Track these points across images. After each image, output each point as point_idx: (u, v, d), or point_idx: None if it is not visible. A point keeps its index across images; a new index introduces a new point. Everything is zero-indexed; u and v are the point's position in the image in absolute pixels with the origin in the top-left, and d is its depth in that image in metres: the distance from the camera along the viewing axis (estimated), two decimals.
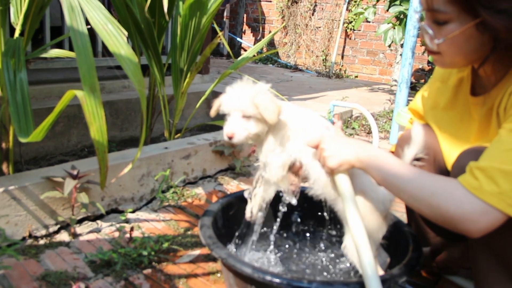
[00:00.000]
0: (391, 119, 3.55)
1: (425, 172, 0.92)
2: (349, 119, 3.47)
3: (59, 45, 2.87)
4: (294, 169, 1.18)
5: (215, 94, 3.93)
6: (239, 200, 1.31)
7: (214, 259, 1.45)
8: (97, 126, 1.21)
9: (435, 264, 1.38)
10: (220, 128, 2.64)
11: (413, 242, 1.18)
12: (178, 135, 2.61)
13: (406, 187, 0.90)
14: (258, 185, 1.22)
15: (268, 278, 1.00)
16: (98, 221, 1.64)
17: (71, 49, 2.21)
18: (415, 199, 0.89)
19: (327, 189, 1.12)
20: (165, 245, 1.45)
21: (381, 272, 1.12)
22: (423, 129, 1.13)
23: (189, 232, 1.63)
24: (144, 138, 2.51)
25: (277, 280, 1.00)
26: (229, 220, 1.38)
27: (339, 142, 1.04)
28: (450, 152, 1.15)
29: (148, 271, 1.35)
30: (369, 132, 3.42)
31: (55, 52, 1.90)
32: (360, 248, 0.93)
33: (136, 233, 1.56)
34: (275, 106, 1.10)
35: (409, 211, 1.38)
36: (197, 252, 1.49)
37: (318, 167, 1.11)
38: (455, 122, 1.14)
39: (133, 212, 1.76)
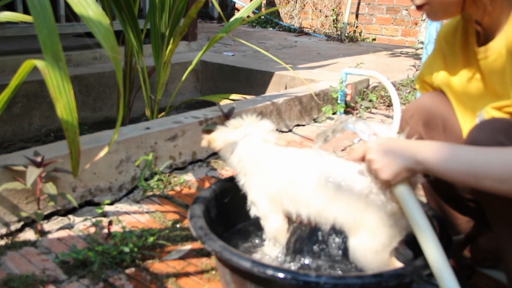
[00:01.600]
0: (415, 89, 3.54)
1: (497, 148, 0.92)
2: (365, 89, 3.47)
3: (10, 7, 2.83)
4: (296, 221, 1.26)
5: (204, 65, 3.92)
6: (236, 185, 1.32)
7: (207, 255, 1.47)
8: (65, 102, 1.21)
9: (468, 255, 1.40)
10: (212, 104, 2.66)
11: (439, 227, 1.20)
12: (162, 114, 2.62)
13: (487, 171, 0.90)
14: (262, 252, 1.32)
15: (270, 272, 1.02)
16: (70, 216, 1.66)
17: (26, 12, 2.18)
18: (501, 181, 0.89)
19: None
20: (150, 240, 1.47)
21: (400, 264, 1.15)
22: (430, 97, 1.19)
23: (177, 225, 1.65)
24: (122, 118, 2.50)
25: (280, 275, 1.02)
26: (224, 208, 1.39)
27: (389, 147, 1.02)
28: (465, 117, 1.22)
29: (131, 270, 1.37)
30: (389, 105, 3.42)
31: (5, 16, 1.88)
32: (440, 273, 0.95)
33: (115, 228, 1.58)
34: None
35: (429, 194, 1.40)
36: (187, 247, 1.51)
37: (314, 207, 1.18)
38: (466, 83, 1.21)
39: (111, 204, 1.78)
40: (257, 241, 1.41)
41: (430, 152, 0.97)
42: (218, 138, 1.31)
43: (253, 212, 1.28)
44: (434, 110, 1.28)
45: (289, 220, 1.27)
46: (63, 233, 1.55)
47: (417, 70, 3.83)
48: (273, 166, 1.25)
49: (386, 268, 1.10)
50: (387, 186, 1.05)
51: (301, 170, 1.21)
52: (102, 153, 1.37)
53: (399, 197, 1.04)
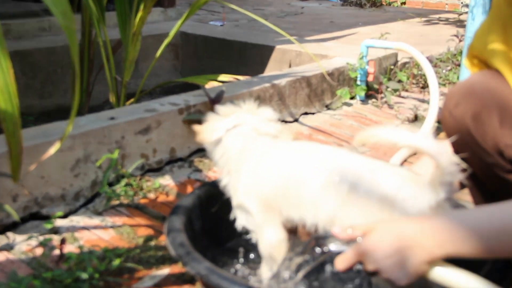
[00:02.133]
0: (459, 65, 3.55)
1: None
2: (392, 67, 3.47)
3: None
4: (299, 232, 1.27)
5: (185, 38, 3.92)
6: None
7: (190, 280, 1.46)
8: (1, 85, 1.21)
9: None
10: (195, 87, 2.65)
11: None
12: (131, 100, 2.61)
13: None
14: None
15: None
16: (9, 233, 1.64)
17: None
18: None
19: None
20: (116, 262, 1.46)
21: None
22: (482, 78, 1.16)
23: (152, 243, 1.64)
24: (78, 105, 2.49)
25: None
26: (212, 220, 1.39)
27: (392, 237, 0.99)
28: None
29: None
30: (424, 87, 3.42)
31: None
32: None
33: (70, 248, 1.56)
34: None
35: (477, 196, 1.40)
36: (165, 271, 1.50)
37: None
38: None
39: (65, 216, 1.77)
40: (253, 258, 1.40)
41: (452, 229, 0.96)
42: (209, 128, 1.31)
43: (240, 222, 1.28)
44: (488, 96, 1.23)
45: (290, 231, 1.26)
46: (0, 256, 1.53)
47: (460, 41, 3.83)
48: (267, 162, 1.24)
49: None
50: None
51: (305, 166, 1.20)
52: (52, 150, 1.36)
53: (440, 281, 1.02)
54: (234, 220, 1.30)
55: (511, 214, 0.94)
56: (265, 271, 1.29)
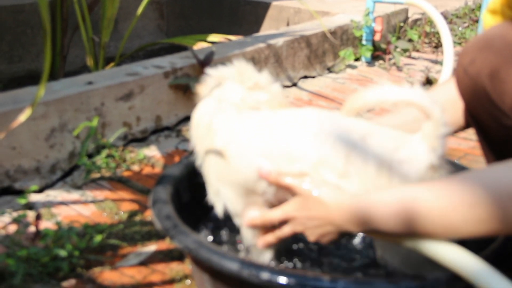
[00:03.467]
0: (477, 21, 3.54)
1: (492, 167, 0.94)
2: (401, 24, 3.46)
3: None
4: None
5: None
6: None
7: (179, 257, 1.49)
8: None
9: None
10: (182, 49, 2.64)
11: None
12: (111, 64, 2.61)
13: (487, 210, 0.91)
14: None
15: (266, 276, 1.03)
16: None
17: None
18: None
19: None
20: (97, 239, 1.47)
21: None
22: (503, 31, 1.16)
23: (137, 218, 1.66)
24: (52, 70, 2.50)
25: (281, 279, 1.03)
26: (201, 191, 1.40)
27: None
28: None
29: (70, 282, 1.38)
30: (437, 46, 3.41)
31: None
32: None
33: (46, 224, 1.57)
34: None
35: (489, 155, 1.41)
36: (151, 248, 1.52)
37: None
38: None
39: (40, 191, 1.78)
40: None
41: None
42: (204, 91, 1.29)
43: (219, 209, 1.27)
44: (508, 51, 1.18)
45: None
46: None
47: None
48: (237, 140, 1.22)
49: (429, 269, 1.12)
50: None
51: (293, 140, 1.18)
52: (22, 118, 1.36)
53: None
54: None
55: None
56: (258, 255, 1.30)
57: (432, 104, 1.07)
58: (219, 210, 1.27)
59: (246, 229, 1.26)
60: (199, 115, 1.27)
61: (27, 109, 1.37)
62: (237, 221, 1.29)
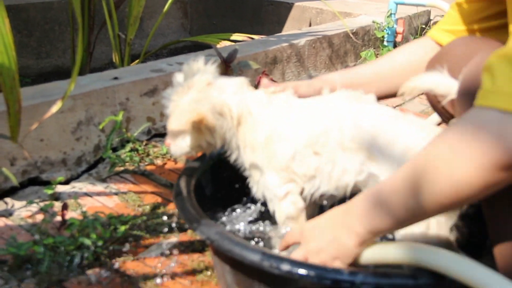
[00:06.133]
0: None
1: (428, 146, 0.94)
2: (423, 26, 3.44)
3: None
4: None
5: None
6: None
7: (201, 249, 1.50)
8: None
9: None
10: (205, 47, 2.65)
11: None
12: (136, 61, 2.64)
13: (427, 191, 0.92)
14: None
15: (286, 267, 1.04)
16: (7, 199, 1.69)
17: None
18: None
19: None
20: (121, 230, 1.50)
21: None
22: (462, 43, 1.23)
23: (160, 210, 1.68)
24: (80, 64, 2.50)
25: (301, 271, 1.04)
26: (224, 184, 1.41)
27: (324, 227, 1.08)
28: None
29: (94, 271, 1.40)
30: None
31: None
32: None
33: (72, 214, 1.60)
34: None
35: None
36: (173, 240, 1.54)
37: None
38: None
39: (67, 182, 1.81)
40: (268, 228, 1.43)
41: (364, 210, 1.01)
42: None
43: (258, 193, 1.31)
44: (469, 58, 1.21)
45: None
46: None
47: None
48: (283, 128, 1.27)
49: None
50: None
51: (325, 130, 1.23)
52: (54, 109, 1.39)
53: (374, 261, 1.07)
54: (247, 186, 1.32)
55: (398, 173, 0.97)
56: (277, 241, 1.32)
57: None
58: (258, 194, 1.31)
59: (279, 213, 1.30)
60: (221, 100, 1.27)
61: (58, 101, 1.40)
62: (270, 206, 1.31)
